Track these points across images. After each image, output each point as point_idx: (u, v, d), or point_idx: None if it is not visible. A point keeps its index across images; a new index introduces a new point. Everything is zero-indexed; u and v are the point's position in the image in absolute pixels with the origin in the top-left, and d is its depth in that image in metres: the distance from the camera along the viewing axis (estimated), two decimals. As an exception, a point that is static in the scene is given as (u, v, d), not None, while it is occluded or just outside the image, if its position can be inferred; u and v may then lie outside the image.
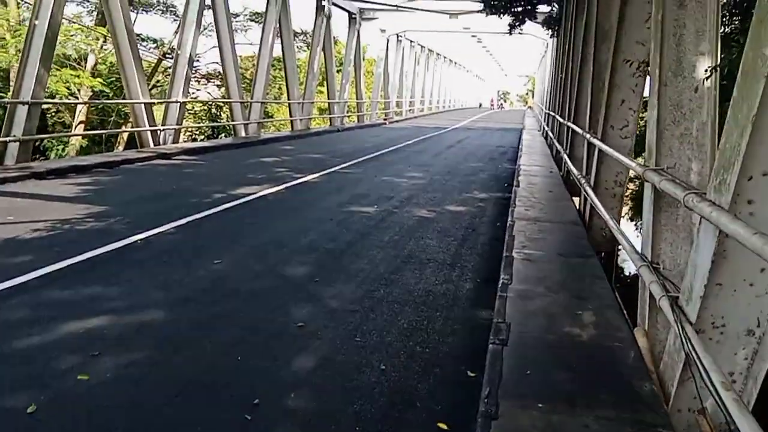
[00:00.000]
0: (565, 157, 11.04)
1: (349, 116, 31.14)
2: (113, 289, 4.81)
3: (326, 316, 4.46)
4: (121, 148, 24.36)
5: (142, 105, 14.06)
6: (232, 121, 18.90)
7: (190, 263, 5.56)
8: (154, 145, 14.50)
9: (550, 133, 18.32)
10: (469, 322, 4.51)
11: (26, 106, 10.73)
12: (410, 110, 43.49)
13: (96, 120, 27.07)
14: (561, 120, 13.59)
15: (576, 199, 10.16)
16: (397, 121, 34.79)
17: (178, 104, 15.58)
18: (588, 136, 8.03)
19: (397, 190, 10.27)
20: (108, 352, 3.71)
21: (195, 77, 29.72)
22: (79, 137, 23.67)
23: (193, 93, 32.28)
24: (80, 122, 24.83)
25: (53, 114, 26.20)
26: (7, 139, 10.59)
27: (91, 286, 4.85)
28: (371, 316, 4.49)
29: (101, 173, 10.61)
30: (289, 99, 23.30)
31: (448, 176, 12.27)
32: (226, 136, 25.58)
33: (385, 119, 34.84)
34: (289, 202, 8.76)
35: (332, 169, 12.35)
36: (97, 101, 23.76)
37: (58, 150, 24.19)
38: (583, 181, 7.85)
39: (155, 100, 16.43)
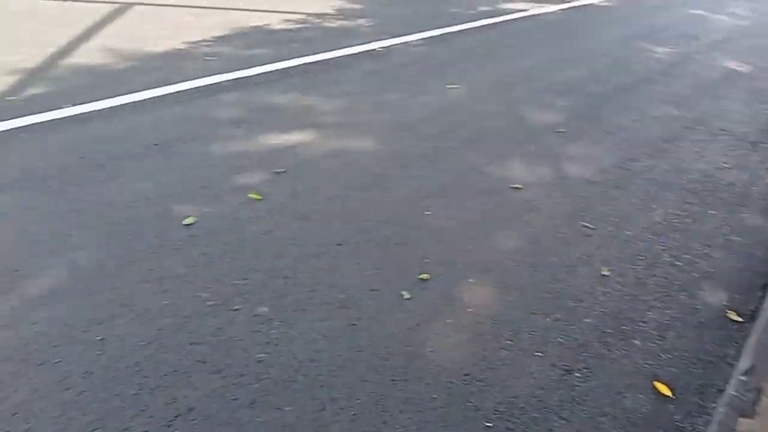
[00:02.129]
0: None
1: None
2: (332, 101, 4.36)
3: (555, 181, 3.48)
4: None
5: None
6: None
7: (421, 83, 4.85)
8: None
9: None
10: (756, 235, 3.17)
11: None
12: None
13: None
14: None
15: None
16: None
17: None
18: None
19: (706, 28, 8.02)
20: (294, 171, 3.30)
21: None
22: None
23: None
24: None
25: None
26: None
27: (310, 93, 4.45)
28: (614, 195, 3.40)
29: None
30: None
31: (786, 19, 9.30)
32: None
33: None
34: (561, 27, 7.32)
35: (630, -7, 10.15)
36: None
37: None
38: None
39: None
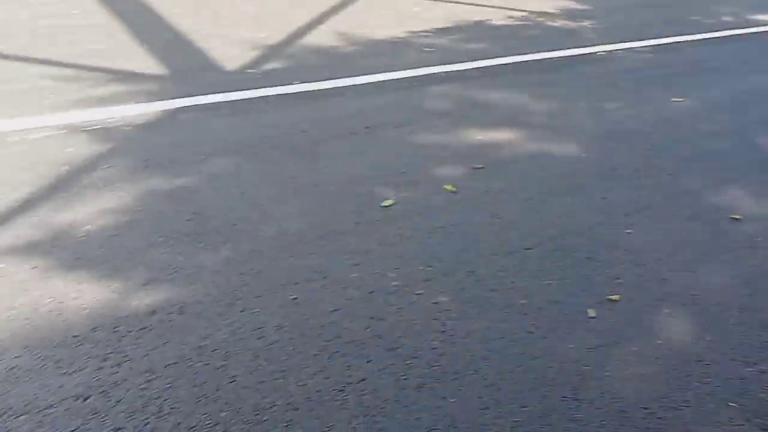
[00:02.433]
0: None
1: None
2: (542, 102, 4.27)
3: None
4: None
5: None
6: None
7: (641, 93, 4.54)
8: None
9: None
10: None
11: None
12: None
13: None
14: None
15: None
16: None
17: None
18: None
19: None
20: (491, 169, 3.31)
21: None
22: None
23: None
24: None
25: None
26: None
27: (521, 93, 4.39)
28: None
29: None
30: None
31: None
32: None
33: None
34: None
35: None
36: None
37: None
38: None
39: None
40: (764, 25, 6.84)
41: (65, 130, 3.35)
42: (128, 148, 3.23)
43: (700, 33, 6.21)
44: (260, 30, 5.17)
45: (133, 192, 2.86)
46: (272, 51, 4.75)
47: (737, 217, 3.05)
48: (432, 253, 2.60)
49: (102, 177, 2.95)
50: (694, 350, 2.19)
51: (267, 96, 3.96)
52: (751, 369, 2.13)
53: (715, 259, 2.73)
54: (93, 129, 3.37)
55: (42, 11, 5.24)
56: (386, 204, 2.91)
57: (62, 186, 2.86)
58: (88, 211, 2.69)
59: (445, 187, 3.11)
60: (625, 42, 5.68)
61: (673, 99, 4.46)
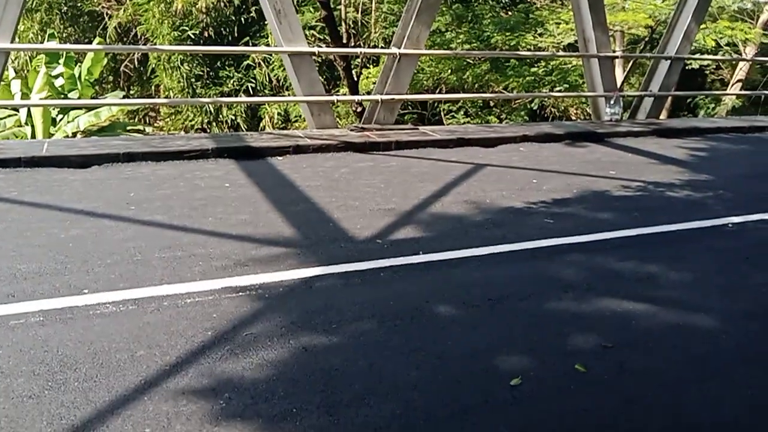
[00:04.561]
0: None
1: None
2: (671, 274, 4.16)
3: None
4: (776, 110, 21.66)
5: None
6: None
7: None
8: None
9: None
10: None
11: (668, 62, 10.50)
12: None
13: (758, 80, 24.77)
14: None
15: None
16: None
17: None
18: None
19: None
20: (621, 348, 3.20)
21: None
22: (733, 96, 22.20)
23: None
24: (738, 80, 23.18)
25: (712, 70, 25.33)
26: (644, 93, 10.69)
27: (650, 266, 4.31)
28: None
29: (724, 139, 9.54)
30: None
31: None
32: None
33: None
34: None
35: None
36: (739, 58, 21.50)
37: (708, 108, 23.40)
38: None
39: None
40: None
41: (212, 296, 3.67)
42: (267, 315, 3.47)
43: (840, 204, 5.91)
44: (387, 202, 5.55)
45: (270, 358, 3.02)
46: (399, 221, 5.05)
47: None
48: (563, 439, 2.50)
49: (241, 344, 3.16)
50: None
51: (393, 266, 4.16)
52: None
53: None
54: (236, 296, 3.68)
55: (199, 184, 5.97)
56: (514, 383, 2.88)
57: (207, 350, 3.09)
58: (226, 377, 2.86)
59: (575, 366, 3.03)
60: (756, 213, 5.51)
61: (815, 276, 4.20)
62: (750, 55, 21.84)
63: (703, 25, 14.15)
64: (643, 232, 4.99)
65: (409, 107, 16.34)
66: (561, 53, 13.87)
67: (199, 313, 3.46)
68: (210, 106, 15.18)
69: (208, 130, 16.03)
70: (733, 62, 22.48)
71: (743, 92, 21.84)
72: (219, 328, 3.30)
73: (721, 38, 19.62)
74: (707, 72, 24.77)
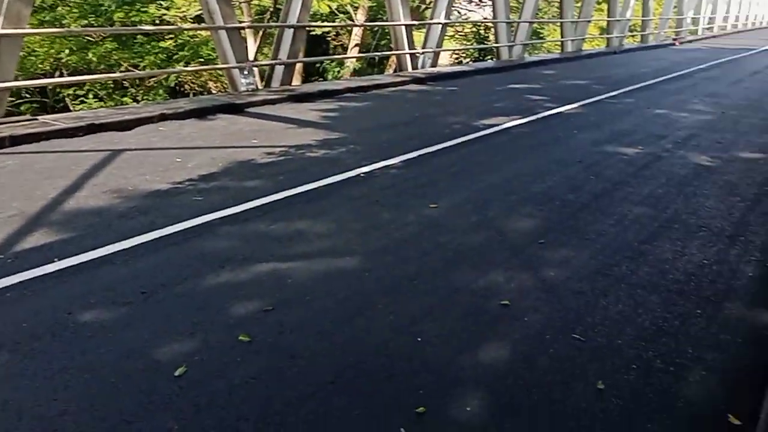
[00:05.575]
0: None
1: (631, 36, 27.59)
2: (317, 228, 4.46)
3: (541, 294, 3.52)
4: (390, 70, 24.98)
5: (402, 27, 13.79)
6: (496, 42, 17.81)
7: (402, 205, 4.99)
8: (412, 68, 14.25)
9: None
10: (743, 331, 3.18)
11: (291, 30, 11.11)
12: (708, 28, 37.12)
13: (371, 43, 28.13)
14: None
15: None
16: (689, 42, 29.93)
17: (440, 26, 15.01)
18: None
19: (672, 127, 8.43)
20: (280, 308, 3.32)
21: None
22: (354, 60, 24.83)
23: (464, 14, 31.70)
24: (355, 45, 25.98)
25: (333, 37, 27.87)
26: (274, 62, 11.16)
27: (297, 222, 4.56)
28: (601, 303, 3.43)
29: (351, 98, 10.61)
30: (561, 18, 21.23)
31: (746, 111, 9.82)
32: (491, 59, 24.54)
33: (674, 39, 30.15)
34: (533, 138, 7.66)
35: (595, 99, 10.72)
36: (351, 24, 24.38)
37: (335, 72, 25.76)
38: None
39: (416, 22, 16.02)
40: (489, 127, 8.05)
41: None
42: None
43: (439, 143, 7.08)
44: (7, 208, 4.74)
45: None
46: (24, 229, 4.36)
47: (505, 302, 3.41)
48: (236, 414, 2.49)
49: None
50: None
51: (23, 281, 3.58)
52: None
53: (498, 346, 3.00)
54: None
55: None
56: (179, 373, 2.74)
57: None
58: None
59: (239, 338, 3.03)
60: (379, 162, 6.24)
61: (430, 205, 4.96)
62: (361, 20, 24.56)
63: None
64: (289, 193, 5.23)
65: (27, 95, 14.25)
66: (187, 26, 13.55)
67: None
68: None
69: None
70: (349, 28, 25.07)
71: (361, 55, 24.58)
72: None
73: (333, 3, 21.49)
74: (329, 39, 27.18)
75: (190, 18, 15.04)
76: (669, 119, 9.04)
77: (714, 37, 34.55)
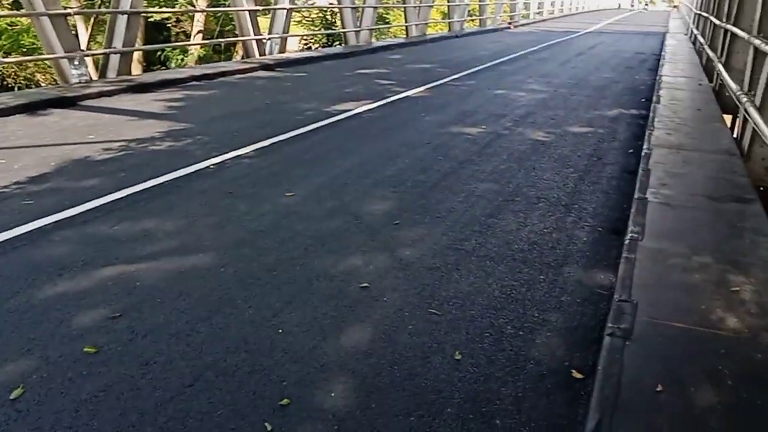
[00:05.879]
0: (719, 66, 9.12)
1: (471, 20, 29.02)
2: (165, 225, 4.23)
3: (398, 274, 3.61)
4: (238, 56, 24.27)
5: (246, 12, 13.41)
6: (343, 27, 17.91)
7: (257, 195, 4.88)
8: (260, 55, 13.93)
9: (699, 38, 15.64)
10: (581, 292, 3.49)
11: (125, 16, 10.39)
12: (538, 13, 40.02)
13: (215, 29, 27.12)
14: (716, 21, 11.30)
15: (731, 120, 8.41)
16: (523, 25, 32.07)
17: (285, 11, 14.78)
18: (757, 41, 6.28)
19: (511, 106, 9.00)
20: (130, 313, 3.12)
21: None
22: (198, 47, 23.81)
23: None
24: (198, 31, 24.91)
25: (174, 23, 26.51)
26: (109, 51, 10.38)
27: (143, 221, 4.30)
28: (454, 277, 3.59)
29: (196, 87, 10.16)
30: (404, 3, 21.79)
31: (574, 89, 10.70)
32: (340, 44, 24.67)
33: (509, 23, 32.17)
34: (383, 122, 7.82)
35: (440, 82, 11.15)
36: (192, 9, 23.47)
37: (177, 60, 24.54)
38: (744, 98, 6.23)
39: (260, 7, 15.68)
40: (340, 113, 8.08)
41: None
42: None
43: (292, 130, 6.99)
44: None
45: None
46: None
47: (365, 284, 3.46)
48: (84, 432, 2.30)
49: None
50: (365, 420, 2.38)
51: None
52: (412, 418, 2.41)
53: (359, 328, 3.04)
54: None
55: None
56: (15, 396, 2.49)
57: None
58: None
59: (84, 350, 2.81)
60: (230, 152, 6.04)
61: (286, 194, 4.90)
62: (203, 5, 23.55)
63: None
64: (132, 191, 4.90)
65: None
66: (3, 12, 12.20)
67: None
68: None
69: None
70: (191, 14, 23.92)
71: (205, 42, 23.63)
72: None
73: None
74: (169, 25, 25.80)
75: (7, 4, 13.56)
76: (508, 99, 9.63)
77: (543, 21, 37.30)
